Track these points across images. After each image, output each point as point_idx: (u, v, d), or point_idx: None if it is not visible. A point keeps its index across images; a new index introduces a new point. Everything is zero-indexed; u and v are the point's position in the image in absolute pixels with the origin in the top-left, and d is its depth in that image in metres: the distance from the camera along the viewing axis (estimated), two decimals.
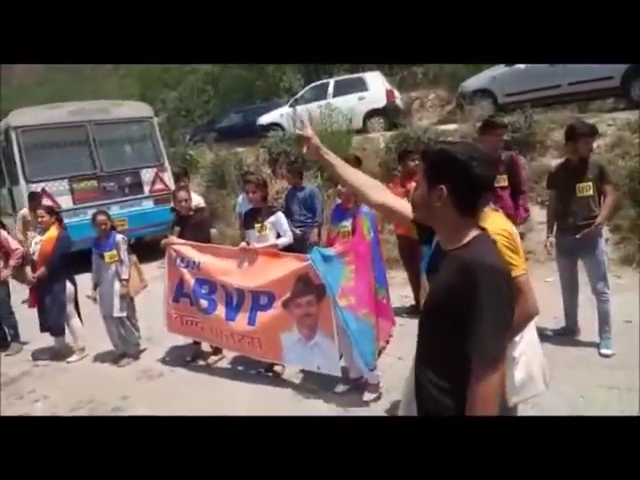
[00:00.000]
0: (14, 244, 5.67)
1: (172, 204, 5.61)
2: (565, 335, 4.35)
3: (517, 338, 2.14)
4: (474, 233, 1.46)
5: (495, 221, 2.01)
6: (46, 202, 7.46)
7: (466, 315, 1.33)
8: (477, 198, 1.46)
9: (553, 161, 6.61)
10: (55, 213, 5.41)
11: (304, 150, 1.90)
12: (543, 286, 5.33)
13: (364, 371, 3.76)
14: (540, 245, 5.80)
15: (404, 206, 1.76)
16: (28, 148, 8.37)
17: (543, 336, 4.24)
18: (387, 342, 3.85)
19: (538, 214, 6.33)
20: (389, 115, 11.04)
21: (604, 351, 3.98)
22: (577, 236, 4.00)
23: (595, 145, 7.02)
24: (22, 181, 8.31)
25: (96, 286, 4.98)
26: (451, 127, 9.14)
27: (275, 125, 11.91)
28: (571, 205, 4.08)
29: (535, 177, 6.92)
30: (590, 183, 4.01)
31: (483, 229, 1.50)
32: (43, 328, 5.24)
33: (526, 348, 2.22)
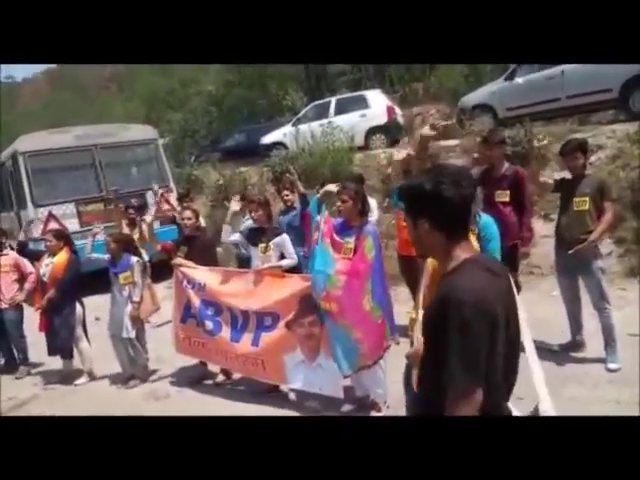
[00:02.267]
0: (29, 268, 5.73)
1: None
2: (571, 350, 4.34)
3: None
4: (464, 256, 1.48)
5: None
6: (54, 226, 7.55)
7: (442, 346, 1.36)
8: (457, 219, 1.49)
9: (555, 174, 6.63)
10: (64, 237, 5.42)
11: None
12: (548, 300, 5.34)
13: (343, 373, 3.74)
14: (545, 259, 5.81)
15: None
16: (35, 172, 8.51)
17: (549, 351, 4.27)
18: (375, 362, 3.73)
19: (542, 228, 6.34)
20: (390, 132, 11.14)
21: (611, 366, 3.95)
22: (569, 252, 3.98)
23: (595, 157, 7.07)
24: (30, 205, 8.44)
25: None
26: (452, 142, 9.20)
27: (278, 144, 12.03)
28: (567, 219, 4.10)
29: (537, 190, 6.93)
30: (586, 198, 3.99)
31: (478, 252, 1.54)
32: (51, 351, 5.27)
33: None
